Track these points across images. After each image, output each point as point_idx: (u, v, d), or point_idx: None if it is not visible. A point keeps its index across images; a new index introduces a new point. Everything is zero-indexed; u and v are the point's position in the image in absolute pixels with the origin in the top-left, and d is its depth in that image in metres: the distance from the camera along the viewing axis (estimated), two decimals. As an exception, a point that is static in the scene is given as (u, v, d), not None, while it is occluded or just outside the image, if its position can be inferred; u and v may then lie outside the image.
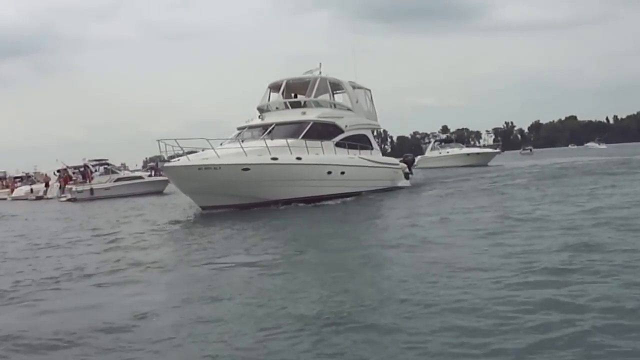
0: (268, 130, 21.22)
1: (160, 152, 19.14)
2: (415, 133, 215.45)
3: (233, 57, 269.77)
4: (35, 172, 57.00)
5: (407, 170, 26.97)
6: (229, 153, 19.21)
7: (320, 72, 24.09)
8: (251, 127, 22.14)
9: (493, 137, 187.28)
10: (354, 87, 24.44)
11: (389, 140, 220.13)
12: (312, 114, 21.96)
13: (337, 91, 24.86)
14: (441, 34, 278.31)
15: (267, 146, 19.31)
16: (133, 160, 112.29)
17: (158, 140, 18.89)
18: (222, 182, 18.65)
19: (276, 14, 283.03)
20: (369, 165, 23.12)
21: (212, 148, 19.09)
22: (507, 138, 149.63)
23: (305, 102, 22.77)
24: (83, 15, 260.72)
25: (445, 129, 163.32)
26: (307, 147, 20.38)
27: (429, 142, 64.49)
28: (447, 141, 61.52)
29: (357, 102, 24.27)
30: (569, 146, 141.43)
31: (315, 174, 20.44)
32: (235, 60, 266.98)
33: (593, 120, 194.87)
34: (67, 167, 44.94)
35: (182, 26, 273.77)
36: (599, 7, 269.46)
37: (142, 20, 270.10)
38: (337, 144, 22.29)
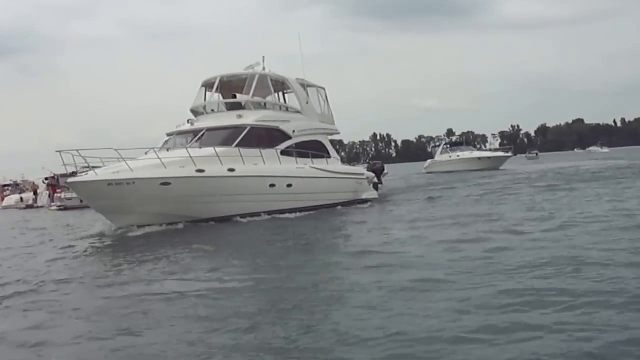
0: (197, 137, 17.89)
1: (64, 164, 15.75)
2: (420, 137, 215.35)
3: (225, 56, 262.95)
4: (23, 180, 55.53)
5: (375, 180, 23.61)
6: (145, 165, 15.85)
7: (263, 68, 20.78)
8: (180, 134, 18.73)
9: (499, 140, 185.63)
10: (303, 86, 21.07)
11: (392, 144, 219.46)
12: (250, 117, 18.60)
13: (287, 91, 21.58)
14: (441, 32, 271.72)
15: (190, 156, 15.97)
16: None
17: (58, 151, 15.55)
18: (137, 199, 15.28)
19: (268, 11, 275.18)
20: (324, 176, 19.70)
21: (123, 159, 15.66)
22: (513, 141, 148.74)
23: (244, 103, 19.43)
24: (62, 13, 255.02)
25: (450, 132, 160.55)
26: (242, 156, 17.01)
27: (439, 145, 62.14)
28: (458, 144, 58.85)
29: (307, 102, 20.90)
30: (575, 150, 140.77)
31: (253, 187, 17.08)
32: (228, 59, 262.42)
33: (600, 123, 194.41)
34: (55, 174, 41.98)
35: (169, 24, 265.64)
36: (605, 2, 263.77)
37: (125, 18, 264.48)
38: (283, 152, 18.93)
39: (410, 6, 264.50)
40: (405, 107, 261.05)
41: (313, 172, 19.22)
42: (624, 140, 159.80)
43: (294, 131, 19.52)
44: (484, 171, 43.88)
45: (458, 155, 53.44)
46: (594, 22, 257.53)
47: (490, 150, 74.33)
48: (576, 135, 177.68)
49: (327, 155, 20.99)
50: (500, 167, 49.79)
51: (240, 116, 18.56)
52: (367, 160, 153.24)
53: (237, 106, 19.47)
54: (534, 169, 42.64)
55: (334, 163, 21.14)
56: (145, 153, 17.68)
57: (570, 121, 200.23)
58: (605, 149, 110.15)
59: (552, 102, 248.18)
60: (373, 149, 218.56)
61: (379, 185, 23.97)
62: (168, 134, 19.07)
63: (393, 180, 43.47)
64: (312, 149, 20.24)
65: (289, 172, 18.31)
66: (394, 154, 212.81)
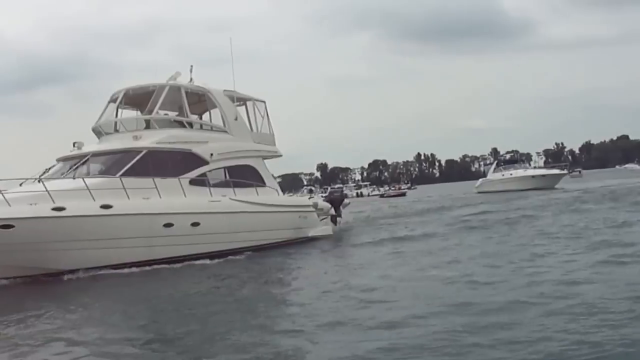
0: (76, 165, 14.38)
1: None
2: (464, 156, 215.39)
3: (273, 82, 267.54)
4: None
5: (332, 212, 19.69)
6: None
7: (190, 79, 17.20)
8: (66, 160, 15.23)
9: (544, 158, 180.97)
10: (232, 99, 17.24)
11: (436, 164, 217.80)
12: (150, 138, 15.01)
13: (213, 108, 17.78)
14: (484, 54, 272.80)
15: (47, 190, 12.41)
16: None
17: None
18: None
19: (316, 37, 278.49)
20: (250, 210, 15.89)
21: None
22: (557, 159, 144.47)
23: (151, 120, 15.82)
24: (118, 41, 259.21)
25: (495, 152, 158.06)
26: (125, 188, 13.37)
27: (489, 164, 59.74)
28: (511, 162, 56.16)
29: (236, 119, 17.09)
30: (616, 167, 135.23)
31: (137, 228, 13.42)
32: (275, 85, 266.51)
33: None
34: None
35: (219, 51, 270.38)
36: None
37: (179, 46, 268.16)
38: (194, 181, 15.22)
39: (454, 30, 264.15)
40: (449, 127, 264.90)
41: (233, 206, 15.44)
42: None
43: (212, 155, 15.81)
44: (538, 190, 41.01)
45: (511, 174, 51.06)
46: (636, 40, 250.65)
47: (544, 167, 69.27)
48: (621, 152, 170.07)
49: (260, 183, 17.16)
50: (556, 186, 46.68)
51: (137, 137, 14.98)
52: (407, 181, 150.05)
53: (146, 124, 15.90)
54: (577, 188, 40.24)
55: (269, 193, 17.24)
56: (20, 185, 14.21)
57: (615, 138, 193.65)
58: None
59: (597, 119, 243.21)
60: (417, 169, 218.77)
61: (338, 219, 20.04)
62: (58, 160, 15.62)
63: (417, 202, 40.63)
64: (240, 177, 16.53)
65: (195, 207, 14.58)
66: (437, 174, 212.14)
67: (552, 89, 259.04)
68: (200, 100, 17.07)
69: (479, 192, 50.53)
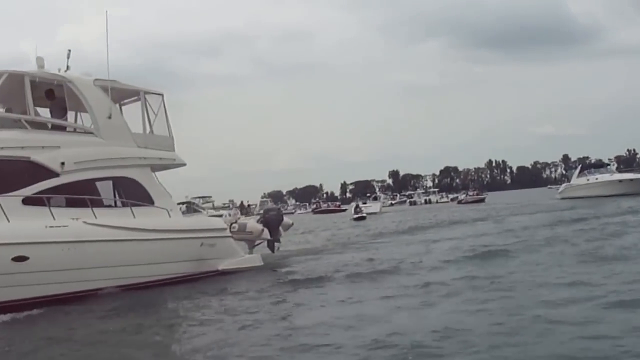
0: None
1: None
2: (535, 163, 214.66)
3: (346, 90, 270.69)
4: None
5: (267, 236, 15.43)
6: None
7: (67, 67, 13.31)
8: None
9: (616, 165, 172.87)
10: (106, 90, 13.04)
11: (508, 170, 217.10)
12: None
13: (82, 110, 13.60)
14: (554, 61, 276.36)
15: None
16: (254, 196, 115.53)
17: None
18: None
19: (388, 46, 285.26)
20: (116, 239, 11.81)
21: None
22: (630, 166, 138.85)
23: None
24: (192, 51, 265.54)
25: (566, 158, 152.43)
26: None
27: (573, 168, 61.18)
28: (597, 166, 54.38)
29: (109, 117, 12.96)
30: None
31: None
32: (349, 93, 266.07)
33: None
34: None
35: (292, 61, 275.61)
36: None
37: (250, 55, 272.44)
38: (30, 200, 11.29)
39: (523, 37, 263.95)
40: (521, 134, 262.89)
41: (85, 234, 11.35)
42: None
43: (63, 164, 11.84)
44: (627, 196, 38.38)
45: (597, 179, 49.11)
46: None
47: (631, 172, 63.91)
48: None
49: (146, 200, 13.05)
50: None
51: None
52: (475, 187, 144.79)
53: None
54: None
55: (154, 214, 13.02)
56: None
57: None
58: None
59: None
60: (488, 175, 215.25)
61: (276, 245, 15.76)
62: None
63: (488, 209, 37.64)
64: (113, 192, 12.58)
65: (20, 235, 10.60)
66: (509, 181, 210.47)
67: (622, 94, 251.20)
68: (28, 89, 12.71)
69: (563, 198, 48.16)
